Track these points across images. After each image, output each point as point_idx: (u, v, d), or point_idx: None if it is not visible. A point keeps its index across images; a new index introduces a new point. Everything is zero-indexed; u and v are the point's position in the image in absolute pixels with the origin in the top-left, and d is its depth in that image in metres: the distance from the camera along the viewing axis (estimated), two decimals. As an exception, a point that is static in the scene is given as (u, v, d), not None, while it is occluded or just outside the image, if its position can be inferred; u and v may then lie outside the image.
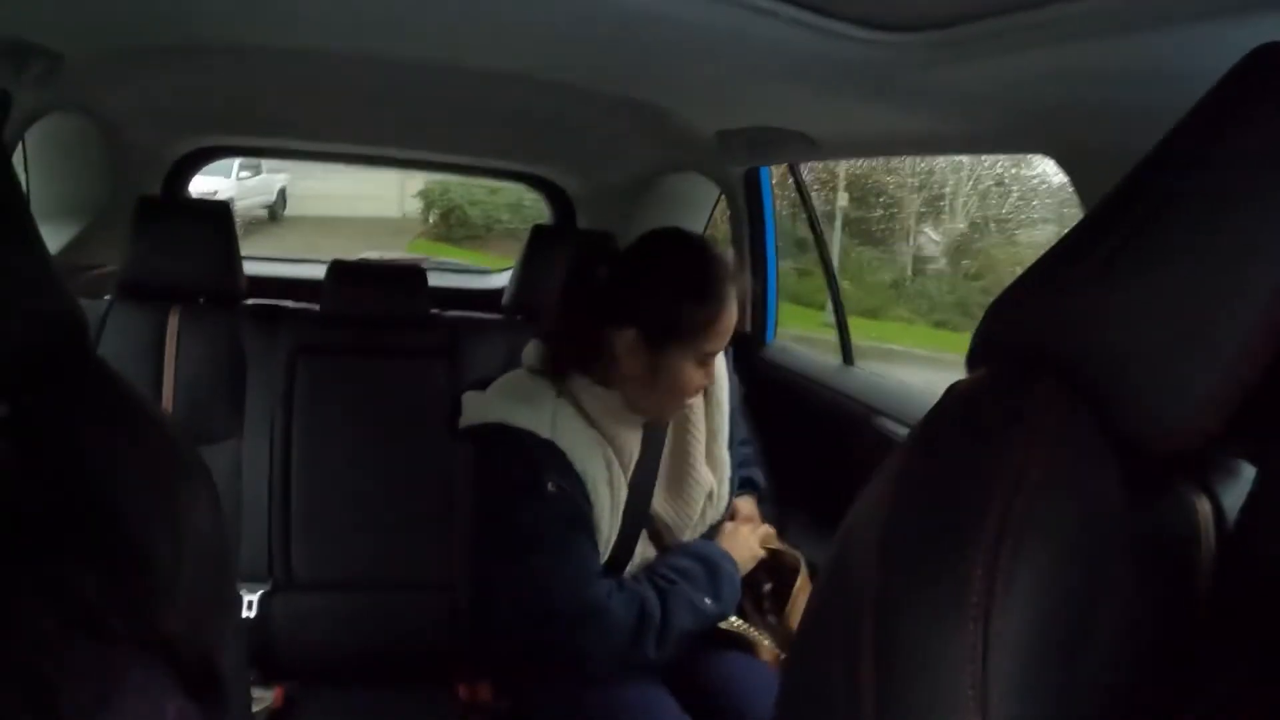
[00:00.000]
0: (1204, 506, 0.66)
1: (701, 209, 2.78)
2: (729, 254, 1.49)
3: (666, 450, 1.57)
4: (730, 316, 1.42)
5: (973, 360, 0.68)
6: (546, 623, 1.40)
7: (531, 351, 1.54)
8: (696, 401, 1.57)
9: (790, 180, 2.37)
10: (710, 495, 1.58)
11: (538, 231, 2.32)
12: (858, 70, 1.24)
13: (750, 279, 2.33)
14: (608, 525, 1.46)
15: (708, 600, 1.45)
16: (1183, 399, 0.57)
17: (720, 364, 1.61)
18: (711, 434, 1.60)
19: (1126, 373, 0.58)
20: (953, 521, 0.54)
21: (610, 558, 1.49)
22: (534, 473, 1.40)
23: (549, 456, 1.41)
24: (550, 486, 1.39)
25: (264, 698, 1.66)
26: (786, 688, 0.66)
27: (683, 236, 1.49)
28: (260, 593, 1.81)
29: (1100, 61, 1.00)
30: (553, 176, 3.07)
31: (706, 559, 1.50)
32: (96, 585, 0.57)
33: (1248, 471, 0.67)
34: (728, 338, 1.44)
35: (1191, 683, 0.58)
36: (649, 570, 1.49)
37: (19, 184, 0.68)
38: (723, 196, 2.55)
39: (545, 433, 1.42)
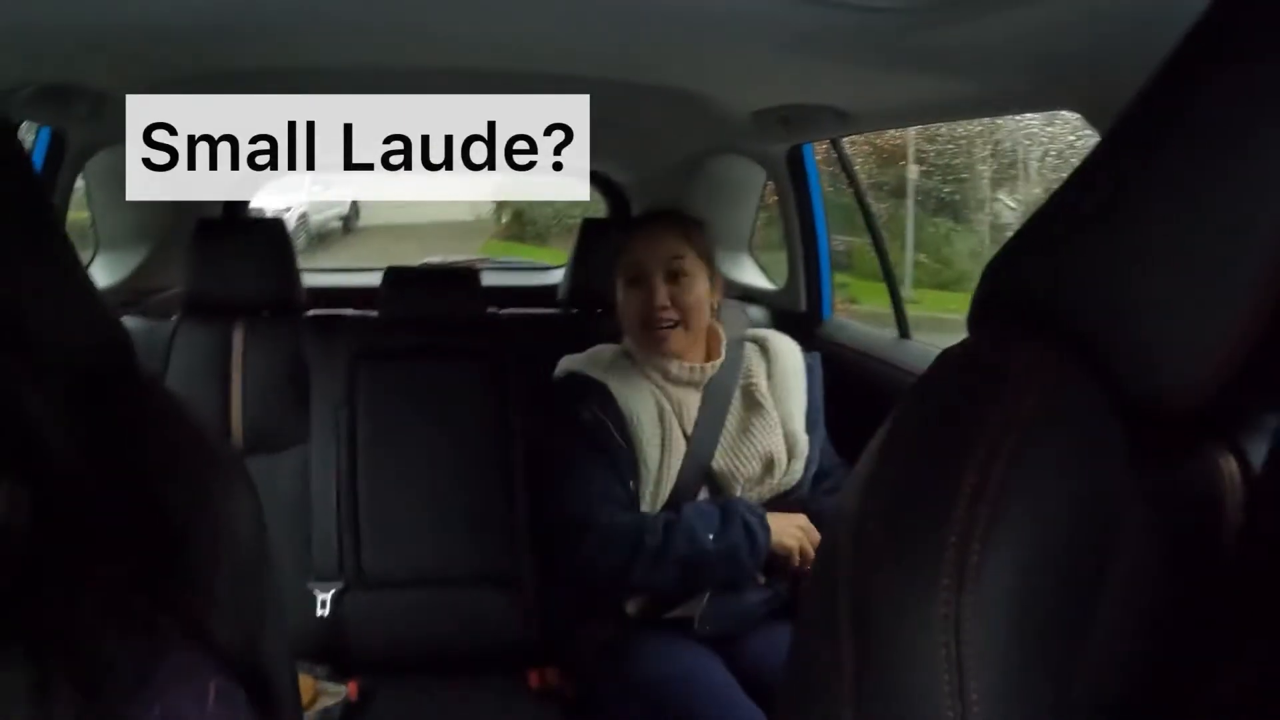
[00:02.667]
0: (1229, 465, 0.61)
1: (751, 191, 2.76)
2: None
3: (734, 415, 1.73)
4: (640, 240, 1.75)
5: (972, 324, 0.65)
6: (560, 532, 1.65)
7: None
8: (759, 379, 1.77)
9: (834, 154, 2.34)
10: (772, 462, 1.71)
11: (588, 225, 2.33)
12: (876, 38, 1.22)
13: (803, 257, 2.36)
14: (656, 463, 1.66)
15: (710, 535, 1.56)
16: (1192, 350, 0.52)
17: (792, 356, 1.82)
18: (786, 414, 1.75)
19: (1128, 325, 0.53)
20: (927, 492, 0.52)
21: (668, 505, 1.65)
22: (576, 404, 1.68)
23: (595, 392, 1.69)
24: (586, 415, 1.66)
25: (339, 692, 1.71)
26: (788, 666, 0.65)
27: None
28: (332, 592, 1.88)
29: (1121, 6, 0.97)
30: (602, 169, 3.08)
31: (727, 506, 1.62)
32: (140, 580, 0.61)
33: (1274, 422, 0.62)
34: (641, 256, 1.72)
35: (1214, 660, 0.55)
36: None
37: (54, 214, 0.72)
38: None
39: (599, 375, 1.71)
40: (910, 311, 2.32)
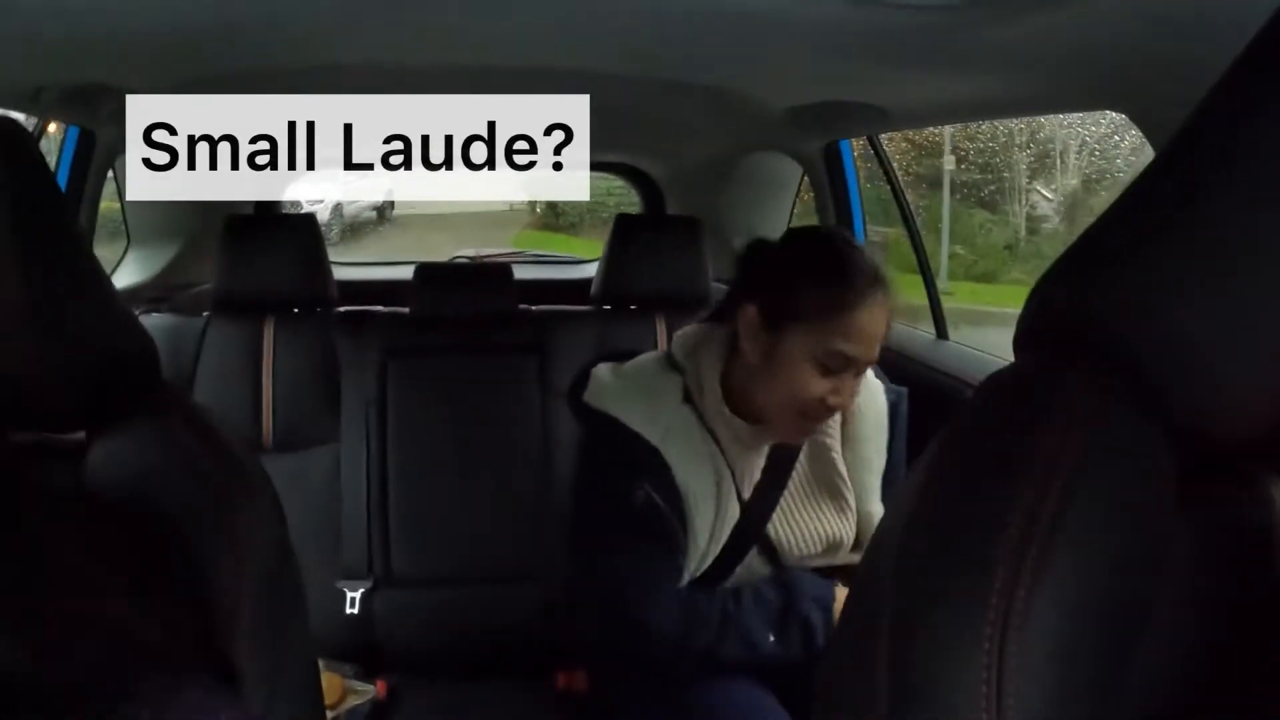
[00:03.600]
0: (1279, 494, 0.59)
1: (787, 187, 2.74)
2: (877, 257, 1.39)
3: (799, 474, 1.51)
4: (864, 322, 1.32)
5: (1019, 347, 0.62)
6: (608, 618, 1.49)
7: (679, 341, 1.52)
8: (834, 437, 1.52)
9: (872, 149, 2.31)
10: (838, 546, 1.51)
11: (622, 220, 2.32)
12: (919, 37, 1.20)
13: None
14: (706, 539, 1.43)
15: (770, 637, 1.39)
16: (1253, 376, 0.50)
17: (875, 406, 1.55)
18: (862, 487, 1.53)
19: (1186, 349, 0.51)
20: (971, 532, 0.50)
21: (710, 570, 1.46)
22: (628, 479, 1.41)
23: (649, 464, 1.41)
24: (640, 497, 1.40)
25: (367, 690, 1.72)
26: (821, 692, 0.63)
27: (819, 228, 1.53)
28: (361, 590, 1.88)
29: (1167, 4, 0.93)
30: (637, 163, 3.06)
31: (792, 595, 1.42)
32: (158, 612, 0.59)
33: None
34: (858, 348, 1.32)
35: (1260, 693, 0.53)
36: (734, 588, 1.44)
37: (79, 226, 0.71)
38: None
39: (655, 440, 1.42)
40: (950, 304, 2.29)
